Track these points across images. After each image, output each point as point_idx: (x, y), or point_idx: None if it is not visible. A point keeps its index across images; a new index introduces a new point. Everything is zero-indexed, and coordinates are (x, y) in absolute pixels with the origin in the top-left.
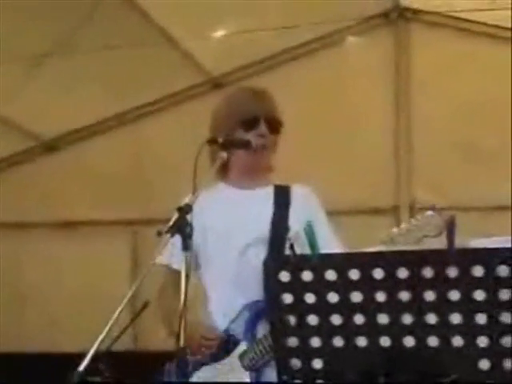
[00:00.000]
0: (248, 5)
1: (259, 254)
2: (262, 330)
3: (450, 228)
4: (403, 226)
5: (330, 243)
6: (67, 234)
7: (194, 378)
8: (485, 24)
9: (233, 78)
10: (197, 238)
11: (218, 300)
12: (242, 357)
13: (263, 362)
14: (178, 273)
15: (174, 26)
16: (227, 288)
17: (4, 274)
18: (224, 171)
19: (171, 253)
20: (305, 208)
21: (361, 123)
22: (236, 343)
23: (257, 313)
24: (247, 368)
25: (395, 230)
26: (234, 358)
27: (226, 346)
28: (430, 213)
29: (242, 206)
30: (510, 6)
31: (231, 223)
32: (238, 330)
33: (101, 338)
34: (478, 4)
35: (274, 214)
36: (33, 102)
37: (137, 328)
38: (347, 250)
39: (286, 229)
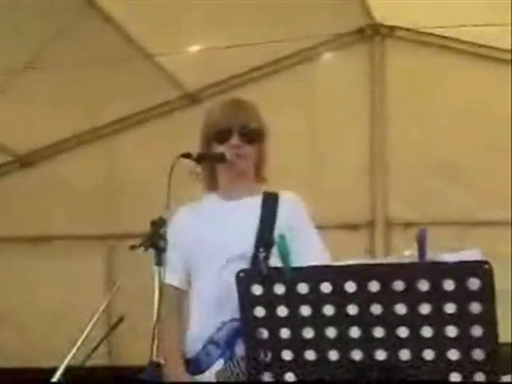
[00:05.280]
0: (224, 20)
1: None
2: (240, 348)
3: (421, 241)
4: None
5: (312, 252)
6: (41, 249)
7: None
8: (459, 40)
9: (209, 93)
10: (185, 253)
11: (197, 320)
12: (218, 374)
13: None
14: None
15: (149, 42)
16: (206, 307)
17: None
18: (215, 183)
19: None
20: (289, 216)
21: (336, 139)
22: (210, 364)
23: (236, 330)
24: None
25: None
26: (211, 374)
27: (199, 367)
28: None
29: (226, 219)
30: (482, 22)
31: (214, 238)
32: (215, 348)
33: (73, 351)
34: (451, 21)
35: (260, 227)
36: (6, 116)
37: (111, 343)
38: (329, 260)
39: (272, 243)
